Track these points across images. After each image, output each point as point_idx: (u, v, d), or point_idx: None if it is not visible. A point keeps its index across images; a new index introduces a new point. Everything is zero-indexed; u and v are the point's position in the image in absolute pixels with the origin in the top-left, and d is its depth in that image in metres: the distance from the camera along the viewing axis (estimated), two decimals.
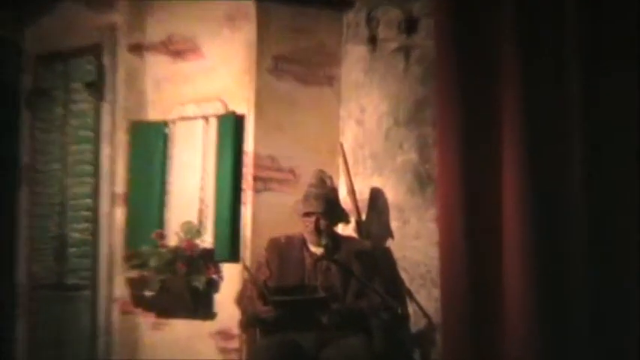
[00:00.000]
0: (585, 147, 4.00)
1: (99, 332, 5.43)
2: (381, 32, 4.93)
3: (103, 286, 5.45)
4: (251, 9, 5.00)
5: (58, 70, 5.74)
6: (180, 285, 5.01)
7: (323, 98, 5.15)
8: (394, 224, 4.86)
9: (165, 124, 5.33)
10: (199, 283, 4.99)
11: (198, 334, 5.07)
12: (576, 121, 4.03)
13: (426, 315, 4.56)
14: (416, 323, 4.62)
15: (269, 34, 4.99)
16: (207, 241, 5.10)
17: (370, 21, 4.93)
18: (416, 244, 4.73)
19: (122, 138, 5.45)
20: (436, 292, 4.50)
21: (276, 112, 5.03)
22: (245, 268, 4.63)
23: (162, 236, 5.17)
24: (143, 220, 5.28)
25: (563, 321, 3.99)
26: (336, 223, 4.68)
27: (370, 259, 4.53)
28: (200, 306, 5.04)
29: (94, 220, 5.53)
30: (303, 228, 4.55)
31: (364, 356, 4.21)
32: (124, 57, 5.44)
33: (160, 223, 5.24)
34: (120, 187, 5.45)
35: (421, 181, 4.75)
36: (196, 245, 5.05)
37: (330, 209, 4.54)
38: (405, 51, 4.85)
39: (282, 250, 4.53)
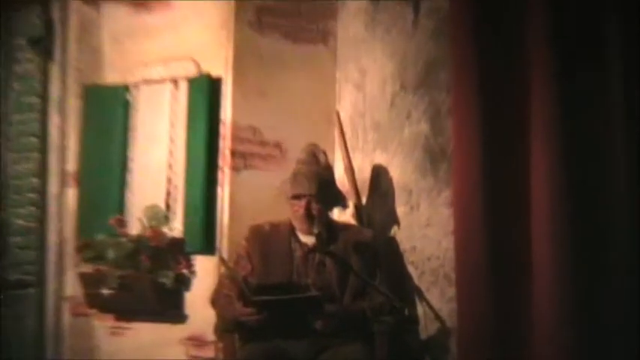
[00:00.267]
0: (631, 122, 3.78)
1: (46, 338, 5.36)
2: None
3: (51, 282, 5.36)
4: None
5: None
6: (143, 282, 4.92)
7: (315, 58, 5.09)
8: (400, 209, 4.69)
9: (125, 88, 5.25)
10: (167, 279, 4.90)
11: (165, 340, 4.97)
12: (618, 83, 3.77)
13: (438, 317, 4.41)
14: (426, 327, 4.49)
15: None
16: (176, 228, 5.02)
17: None
18: (426, 232, 4.55)
19: (74, 105, 5.36)
20: (450, 291, 4.33)
21: (258, 74, 4.97)
22: (222, 261, 4.51)
23: (121, 223, 5.04)
24: (99, 203, 5.20)
25: (606, 323, 3.72)
26: (330, 208, 4.52)
27: (372, 252, 4.39)
28: (168, 307, 4.95)
29: (41, 204, 5.42)
30: (291, 213, 4.39)
31: None
32: (77, 7, 5.38)
33: (120, 207, 5.15)
34: (71, 165, 5.36)
35: (433, 157, 4.55)
36: (163, 234, 4.95)
37: (323, 191, 4.38)
38: (415, 0, 4.70)
39: (266, 241, 4.39)
